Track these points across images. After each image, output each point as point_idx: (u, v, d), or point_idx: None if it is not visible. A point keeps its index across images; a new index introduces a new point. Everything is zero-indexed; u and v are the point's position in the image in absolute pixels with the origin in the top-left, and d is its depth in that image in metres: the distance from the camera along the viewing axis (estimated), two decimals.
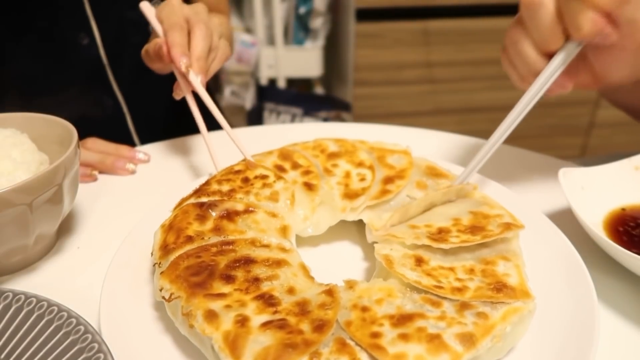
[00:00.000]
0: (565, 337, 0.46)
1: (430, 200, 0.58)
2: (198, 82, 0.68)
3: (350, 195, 0.60)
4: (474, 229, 0.53)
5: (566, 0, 0.51)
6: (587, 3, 0.50)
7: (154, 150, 0.82)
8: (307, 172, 0.63)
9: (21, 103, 0.89)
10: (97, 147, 0.78)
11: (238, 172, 0.62)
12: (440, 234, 0.53)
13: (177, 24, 0.69)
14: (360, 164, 0.65)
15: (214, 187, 0.60)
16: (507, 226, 0.53)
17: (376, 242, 0.55)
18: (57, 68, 0.91)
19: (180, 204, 0.58)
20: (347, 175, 0.63)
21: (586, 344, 0.44)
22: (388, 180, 0.62)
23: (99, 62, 0.93)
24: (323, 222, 0.59)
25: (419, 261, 0.50)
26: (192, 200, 0.58)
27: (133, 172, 0.77)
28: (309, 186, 0.61)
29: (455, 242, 0.51)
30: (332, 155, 0.66)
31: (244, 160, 0.64)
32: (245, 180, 0.61)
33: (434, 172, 0.63)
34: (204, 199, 0.57)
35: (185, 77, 0.69)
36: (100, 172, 0.76)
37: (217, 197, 0.58)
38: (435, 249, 0.52)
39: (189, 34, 0.70)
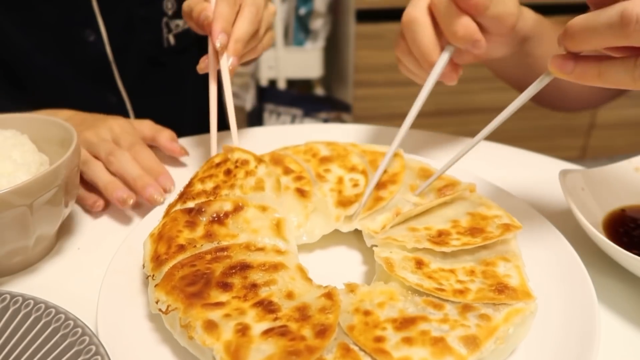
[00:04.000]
0: (566, 338, 0.46)
1: (430, 207, 0.58)
2: (226, 65, 0.66)
3: (344, 202, 0.60)
4: (473, 231, 0.53)
5: (442, 10, 0.60)
6: (462, 5, 0.59)
7: (154, 151, 0.82)
8: (299, 178, 0.62)
9: (25, 98, 0.89)
10: (142, 157, 0.69)
11: (219, 164, 0.61)
12: (441, 237, 0.53)
13: None
14: (352, 169, 0.64)
15: (198, 187, 0.58)
16: (507, 227, 0.53)
17: (375, 246, 0.55)
18: (63, 64, 0.91)
19: (168, 210, 0.57)
20: (340, 181, 0.63)
21: (587, 345, 0.44)
22: (381, 186, 0.61)
23: (104, 59, 0.93)
24: (317, 230, 0.59)
25: (420, 264, 0.50)
26: (179, 207, 0.56)
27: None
28: (301, 192, 0.60)
29: (456, 245, 0.51)
30: (324, 160, 0.65)
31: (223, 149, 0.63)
32: (228, 172, 0.59)
33: (427, 174, 0.63)
34: (191, 204, 0.56)
35: (217, 54, 0.66)
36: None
37: (202, 199, 0.57)
38: (436, 251, 0.52)
39: (238, 12, 0.66)
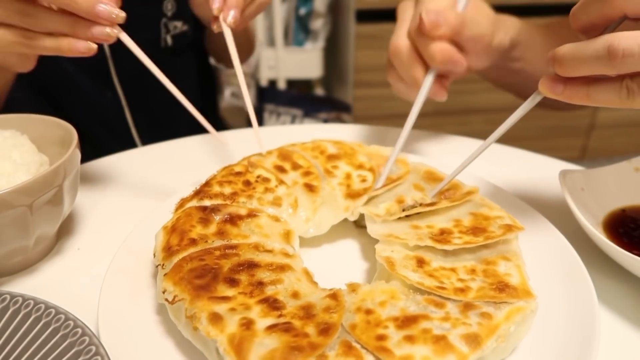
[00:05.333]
0: (566, 338, 0.46)
1: (434, 209, 0.58)
2: (229, 34, 0.66)
3: (353, 195, 0.60)
4: (475, 230, 0.53)
5: (417, 38, 0.63)
6: (432, 37, 0.61)
7: (155, 151, 0.82)
8: (307, 173, 0.63)
9: (22, 91, 0.89)
10: None
11: (238, 174, 0.62)
12: (443, 235, 0.53)
13: None
14: (360, 166, 0.65)
15: (216, 189, 0.59)
16: (508, 228, 0.53)
17: (378, 241, 0.55)
18: (59, 58, 0.91)
19: (181, 205, 0.58)
20: (348, 176, 0.63)
21: (587, 345, 0.44)
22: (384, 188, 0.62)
23: (101, 53, 0.93)
24: (325, 222, 0.59)
25: (421, 262, 0.50)
26: (195, 203, 0.57)
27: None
28: (310, 187, 0.61)
29: (458, 244, 0.51)
30: (332, 157, 0.66)
31: (245, 160, 0.64)
32: (247, 183, 0.60)
33: (432, 177, 0.63)
34: (207, 202, 0.57)
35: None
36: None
37: (219, 201, 0.57)
38: (436, 250, 0.52)
39: None
